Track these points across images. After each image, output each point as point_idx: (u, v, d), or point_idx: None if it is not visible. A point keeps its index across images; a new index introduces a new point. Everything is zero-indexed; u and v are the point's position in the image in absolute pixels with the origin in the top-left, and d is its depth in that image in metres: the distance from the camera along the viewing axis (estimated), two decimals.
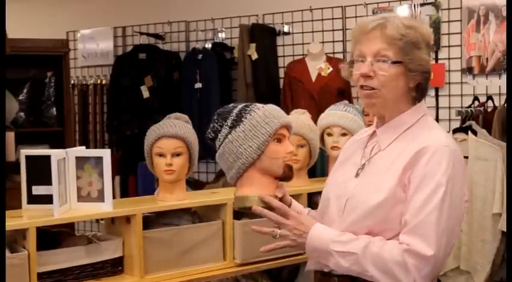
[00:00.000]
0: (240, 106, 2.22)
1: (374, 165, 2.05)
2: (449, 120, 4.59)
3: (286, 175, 2.20)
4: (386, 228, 1.97)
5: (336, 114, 3.39)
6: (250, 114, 2.17)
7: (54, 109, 5.40)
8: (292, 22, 5.34)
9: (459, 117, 4.30)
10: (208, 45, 5.63)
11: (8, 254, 2.48)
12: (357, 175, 2.07)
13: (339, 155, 2.28)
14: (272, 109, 2.22)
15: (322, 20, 5.16)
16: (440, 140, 1.99)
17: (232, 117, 2.18)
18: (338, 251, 1.98)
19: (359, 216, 2.00)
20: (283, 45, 5.41)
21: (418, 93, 2.05)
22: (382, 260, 1.93)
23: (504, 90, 4.30)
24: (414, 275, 1.90)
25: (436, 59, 4.67)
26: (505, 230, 3.82)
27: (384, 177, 1.99)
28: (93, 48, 6.50)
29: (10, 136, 5.00)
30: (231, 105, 2.26)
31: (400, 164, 1.97)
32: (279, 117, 2.19)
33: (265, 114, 2.18)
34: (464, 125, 4.16)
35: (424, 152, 1.95)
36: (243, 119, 2.17)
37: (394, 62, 1.99)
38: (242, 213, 2.85)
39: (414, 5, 4.74)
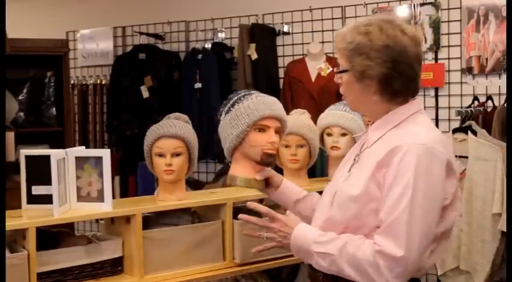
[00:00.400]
0: (241, 94, 2.48)
1: (361, 161, 2.09)
2: (449, 120, 4.60)
3: (264, 162, 2.42)
4: (363, 224, 2.02)
5: (335, 114, 3.39)
6: (238, 104, 2.43)
7: (54, 109, 5.40)
8: (292, 22, 5.34)
9: (459, 117, 4.30)
10: (208, 45, 5.62)
11: (8, 254, 2.48)
12: (349, 170, 2.13)
13: (339, 155, 2.32)
14: (259, 101, 2.44)
15: (322, 20, 5.16)
16: (418, 138, 1.99)
17: (229, 104, 2.46)
18: (318, 252, 2.04)
19: (337, 210, 2.07)
20: (283, 45, 5.41)
21: (387, 95, 2.05)
22: (356, 260, 1.97)
23: (504, 90, 4.30)
24: (386, 275, 1.93)
25: (436, 59, 4.67)
26: (504, 230, 3.82)
27: (363, 173, 2.03)
28: (93, 48, 6.49)
29: (10, 136, 4.99)
30: (240, 91, 2.53)
31: (374, 160, 2.01)
32: (261, 109, 2.42)
33: (250, 106, 2.42)
34: (464, 125, 4.16)
35: (396, 150, 1.97)
36: (231, 108, 2.44)
37: (340, 72, 2.08)
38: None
39: (414, 5, 4.74)
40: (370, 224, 2.00)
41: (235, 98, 2.44)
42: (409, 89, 2.07)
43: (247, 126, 2.40)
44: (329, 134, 3.40)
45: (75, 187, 2.72)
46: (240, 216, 2.26)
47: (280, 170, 3.36)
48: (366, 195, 2.00)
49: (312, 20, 5.22)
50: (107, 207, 2.72)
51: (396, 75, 2.02)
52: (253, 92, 2.50)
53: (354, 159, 2.13)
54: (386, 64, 2.01)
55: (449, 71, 4.63)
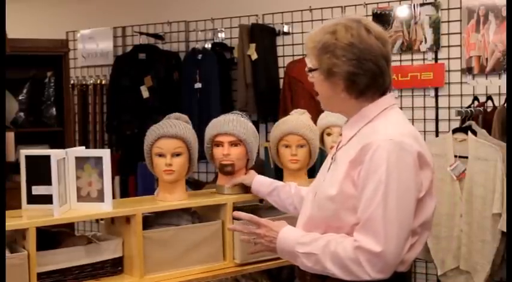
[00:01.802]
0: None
1: (337, 160, 2.14)
2: (449, 120, 4.60)
3: (223, 171, 2.98)
4: (343, 223, 2.05)
5: (335, 114, 3.38)
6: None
7: (54, 109, 5.40)
8: (292, 22, 5.35)
9: (459, 117, 4.30)
10: (208, 45, 5.63)
11: (8, 254, 2.48)
12: (328, 170, 2.18)
13: None
14: (214, 122, 2.97)
15: (322, 20, 5.15)
16: (386, 133, 2.02)
17: None
18: (302, 253, 2.09)
19: (317, 209, 2.12)
20: (283, 45, 5.41)
21: (354, 92, 2.09)
22: (338, 257, 2.01)
23: (504, 90, 4.30)
24: (368, 270, 1.97)
25: (436, 59, 4.67)
26: (504, 230, 3.82)
27: (339, 172, 2.07)
28: (92, 48, 6.50)
29: (10, 136, 5.00)
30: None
31: (347, 158, 2.05)
32: (214, 128, 2.95)
33: (209, 126, 2.98)
34: (464, 125, 4.16)
35: (367, 148, 2.01)
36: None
37: (310, 70, 2.13)
38: None
39: (414, 5, 4.74)
40: (349, 222, 2.04)
41: None
42: (375, 86, 2.10)
43: (207, 143, 2.98)
44: (329, 134, 3.40)
45: (75, 187, 2.72)
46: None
47: (280, 170, 3.36)
48: (342, 195, 2.04)
49: (312, 20, 5.22)
50: (107, 207, 2.72)
51: (361, 72, 2.06)
52: (225, 114, 3.00)
53: (332, 158, 2.18)
54: (351, 62, 2.05)
55: (449, 71, 4.64)
